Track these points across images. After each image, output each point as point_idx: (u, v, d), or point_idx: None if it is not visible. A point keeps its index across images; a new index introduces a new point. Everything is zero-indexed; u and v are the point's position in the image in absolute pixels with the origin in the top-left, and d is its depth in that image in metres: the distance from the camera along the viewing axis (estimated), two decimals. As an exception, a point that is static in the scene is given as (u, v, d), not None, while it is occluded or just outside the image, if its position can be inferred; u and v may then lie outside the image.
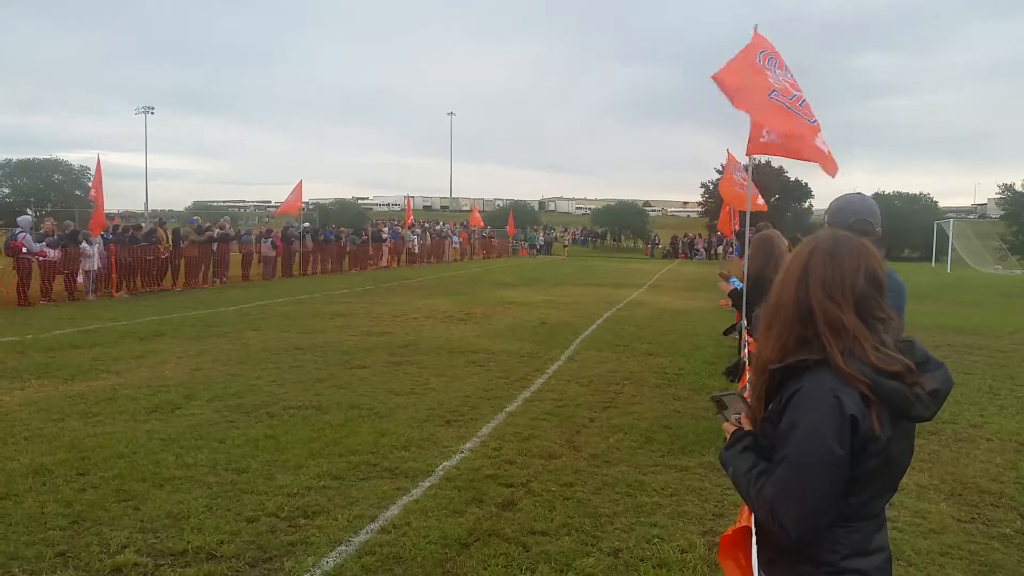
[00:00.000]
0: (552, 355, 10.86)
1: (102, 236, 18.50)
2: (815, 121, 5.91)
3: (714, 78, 5.93)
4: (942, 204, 71.44)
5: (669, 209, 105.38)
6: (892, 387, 1.78)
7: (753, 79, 5.99)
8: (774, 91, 5.92)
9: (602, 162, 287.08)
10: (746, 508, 2.18)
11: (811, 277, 1.88)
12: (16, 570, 4.01)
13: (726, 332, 8.96)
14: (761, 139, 5.75)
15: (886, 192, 63.92)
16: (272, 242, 25.39)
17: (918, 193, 65.97)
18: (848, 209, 3.29)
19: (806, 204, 64.31)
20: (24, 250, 16.37)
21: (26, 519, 4.63)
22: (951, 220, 46.61)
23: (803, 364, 1.83)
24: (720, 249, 45.73)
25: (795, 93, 6.00)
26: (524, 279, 27.04)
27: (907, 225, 54.28)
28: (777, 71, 6.10)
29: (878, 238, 3.18)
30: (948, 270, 39.04)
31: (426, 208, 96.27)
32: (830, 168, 5.76)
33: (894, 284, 3.14)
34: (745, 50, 6.30)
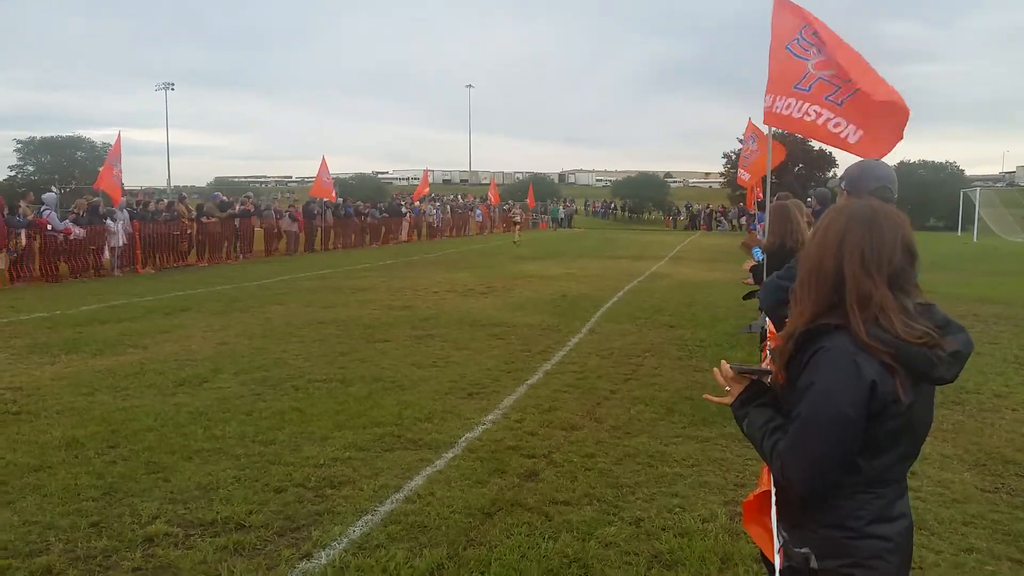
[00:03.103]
0: (573, 328, 10.88)
1: (127, 211, 18.69)
2: (853, 92, 5.59)
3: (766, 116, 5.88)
4: (969, 172, 70.26)
5: (691, 180, 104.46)
6: (915, 351, 1.79)
7: (791, 68, 5.86)
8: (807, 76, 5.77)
9: (623, 134, 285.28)
10: (766, 472, 2.20)
11: (848, 248, 1.87)
12: (52, 539, 4.13)
13: (746, 297, 8.93)
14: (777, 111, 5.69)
15: (911, 161, 62.89)
16: (291, 216, 25.53)
17: (944, 161, 64.88)
18: (869, 175, 3.22)
19: (830, 174, 63.52)
20: (50, 227, 16.58)
21: (60, 490, 4.75)
22: (978, 188, 45.79)
23: (824, 328, 1.84)
24: (743, 220, 45.33)
25: (820, 75, 5.79)
26: (545, 252, 27.01)
27: (932, 194, 53.48)
28: (814, 51, 5.86)
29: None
30: (975, 239, 38.43)
31: (445, 182, 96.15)
32: (859, 149, 5.55)
33: None
34: (777, 33, 6.08)
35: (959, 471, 5.34)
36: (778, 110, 6.00)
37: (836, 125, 5.62)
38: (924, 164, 63.30)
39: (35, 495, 4.68)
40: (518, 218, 37.96)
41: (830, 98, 5.67)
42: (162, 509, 4.51)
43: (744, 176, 18.52)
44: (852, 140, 5.57)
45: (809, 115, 5.74)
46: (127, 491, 4.78)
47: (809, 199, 9.71)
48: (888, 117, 5.43)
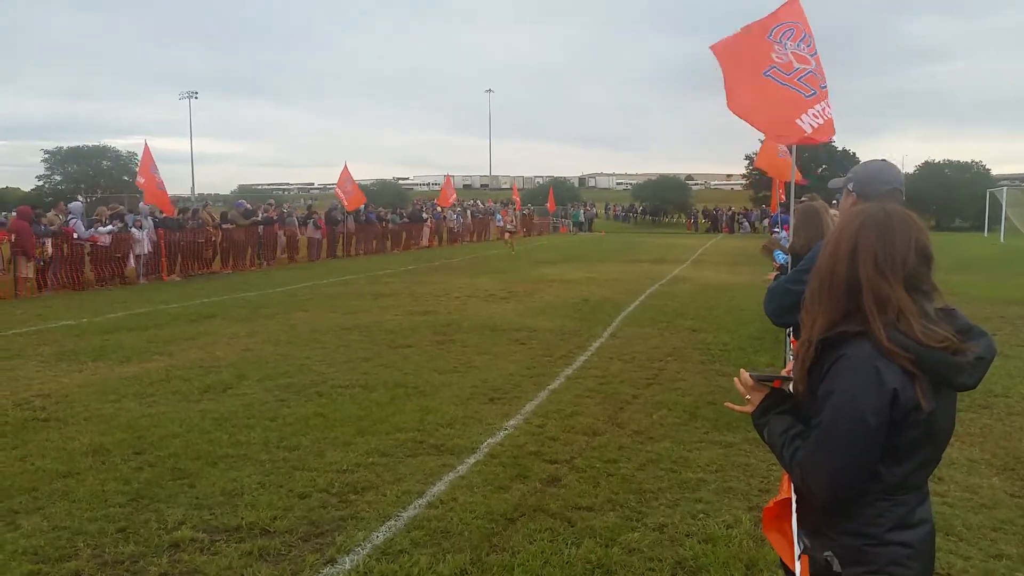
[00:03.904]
0: (594, 332, 10.86)
1: (152, 219, 18.91)
2: (823, 87, 6.05)
3: (712, 48, 6.12)
4: (995, 172, 69.07)
5: (713, 182, 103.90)
6: (936, 357, 1.77)
7: (751, 55, 6.09)
8: (773, 67, 6.03)
9: (644, 136, 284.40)
10: (786, 479, 2.19)
11: (862, 252, 1.86)
12: (81, 544, 4.18)
13: None
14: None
15: (936, 160, 62.21)
16: (315, 223, 25.71)
17: (969, 161, 64.02)
18: (880, 178, 3.17)
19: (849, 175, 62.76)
20: (76, 235, 16.82)
21: (88, 496, 4.82)
22: (1004, 188, 45.06)
23: (845, 335, 1.83)
24: (766, 222, 45.01)
25: (798, 66, 6.06)
26: (565, 256, 27.00)
27: (958, 194, 52.81)
28: (788, 44, 6.12)
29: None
30: (1001, 240, 37.86)
31: (466, 187, 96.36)
32: (818, 135, 5.94)
33: None
34: (762, 22, 6.33)
35: (987, 476, 5.26)
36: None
37: (824, 107, 6.10)
38: (949, 163, 62.53)
39: (64, 501, 4.75)
40: (511, 226, 33.09)
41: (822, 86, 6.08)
42: (188, 515, 4.56)
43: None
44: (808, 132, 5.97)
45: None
46: (153, 497, 4.83)
47: (834, 201, 9.61)
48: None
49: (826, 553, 1.89)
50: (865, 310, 1.82)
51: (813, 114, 5.94)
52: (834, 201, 10.13)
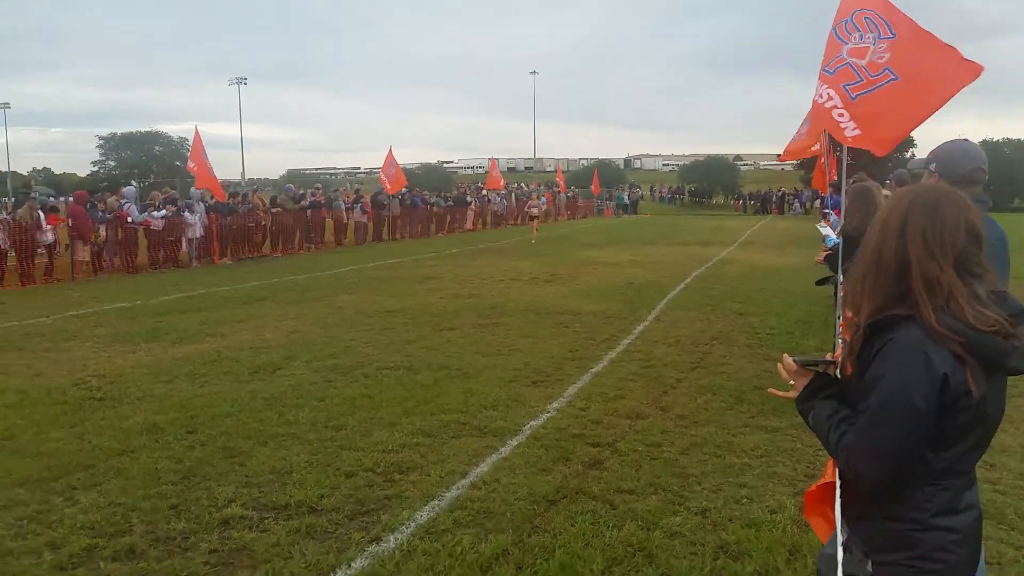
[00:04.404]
0: (638, 315, 10.80)
1: (204, 204, 19.29)
2: (873, 88, 5.30)
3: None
4: (1058, 150, 66.59)
5: (762, 163, 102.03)
6: (987, 341, 1.73)
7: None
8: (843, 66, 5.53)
9: (691, 116, 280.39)
10: (831, 463, 2.16)
11: (910, 232, 1.83)
12: (135, 520, 4.32)
13: (819, 282, 8.69)
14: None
15: (995, 139, 60.10)
16: (361, 208, 25.95)
17: (1031, 139, 61.85)
18: (964, 158, 3.15)
19: (908, 153, 61.24)
20: (130, 219, 17.25)
21: (142, 474, 4.97)
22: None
23: (894, 319, 1.80)
24: (817, 203, 44.09)
25: (849, 61, 5.51)
26: (610, 239, 26.84)
27: (1017, 173, 51.05)
28: (856, 36, 5.58)
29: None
30: (1064, 220, 36.58)
31: (510, 170, 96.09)
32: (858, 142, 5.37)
33: (996, 234, 2.99)
34: (837, 16, 5.82)
35: (1044, 463, 5.12)
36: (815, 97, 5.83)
37: (840, 115, 5.44)
38: (1009, 142, 60.38)
39: (119, 478, 4.90)
40: (535, 211, 29.94)
41: (848, 87, 5.47)
42: (238, 493, 4.67)
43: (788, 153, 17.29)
44: (848, 135, 5.43)
45: (822, 96, 5.60)
46: (204, 475, 4.96)
47: (889, 180, 9.36)
48: (898, 113, 5.24)
49: (859, 558, 1.88)
50: (914, 293, 1.78)
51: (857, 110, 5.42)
52: (888, 181, 9.88)
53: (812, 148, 12.61)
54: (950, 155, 3.16)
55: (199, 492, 4.69)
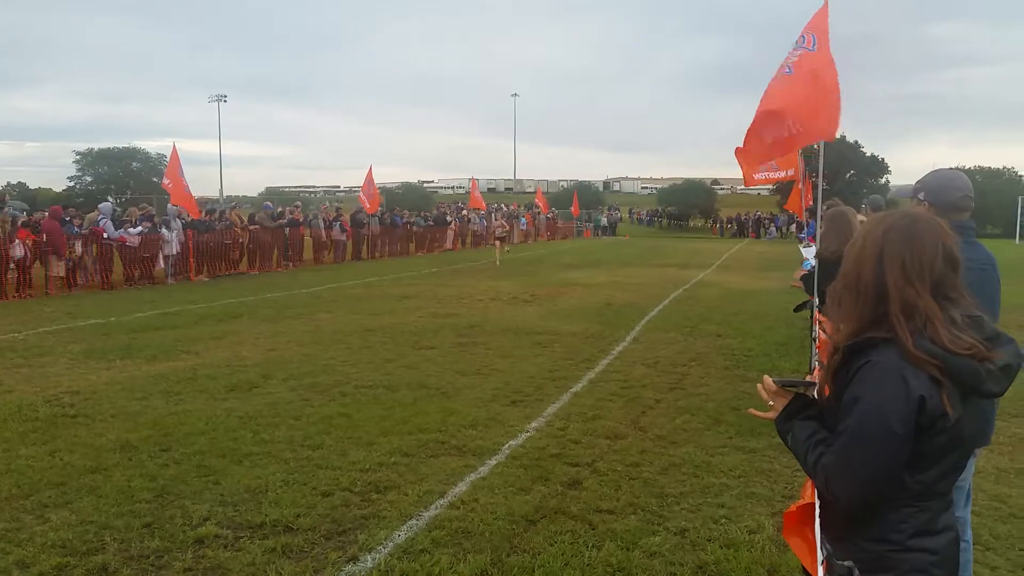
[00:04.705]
0: (617, 336, 10.84)
1: (180, 220, 19.14)
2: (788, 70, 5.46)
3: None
4: (1027, 178, 67.92)
5: (739, 187, 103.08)
6: (963, 364, 1.76)
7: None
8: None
9: (668, 140, 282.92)
10: (809, 485, 2.18)
11: (888, 258, 1.85)
12: (108, 539, 4.24)
13: (797, 309, 8.78)
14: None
15: (966, 167, 61.24)
16: (340, 226, 25.90)
17: (1001, 167, 63.16)
18: (952, 185, 3.23)
19: (883, 180, 62.20)
20: (105, 236, 17.07)
21: (115, 492, 4.89)
22: (1037, 194, 44.35)
23: (871, 342, 1.82)
24: (792, 228, 44.57)
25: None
26: (589, 260, 26.95)
27: (988, 201, 51.95)
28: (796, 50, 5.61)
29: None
30: (1034, 247, 37.24)
31: (490, 190, 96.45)
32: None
33: (984, 258, 3.04)
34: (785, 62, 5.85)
35: (1017, 485, 5.18)
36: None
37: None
38: (980, 170, 61.61)
39: (91, 496, 4.82)
40: (500, 232, 28.19)
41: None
42: (212, 511, 4.61)
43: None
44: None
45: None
46: (179, 493, 4.89)
47: (864, 205, 9.51)
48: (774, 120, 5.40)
49: (846, 563, 1.88)
50: (892, 317, 1.81)
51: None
52: (863, 206, 10.04)
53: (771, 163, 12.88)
54: (938, 184, 3.23)
55: (173, 510, 4.62)
